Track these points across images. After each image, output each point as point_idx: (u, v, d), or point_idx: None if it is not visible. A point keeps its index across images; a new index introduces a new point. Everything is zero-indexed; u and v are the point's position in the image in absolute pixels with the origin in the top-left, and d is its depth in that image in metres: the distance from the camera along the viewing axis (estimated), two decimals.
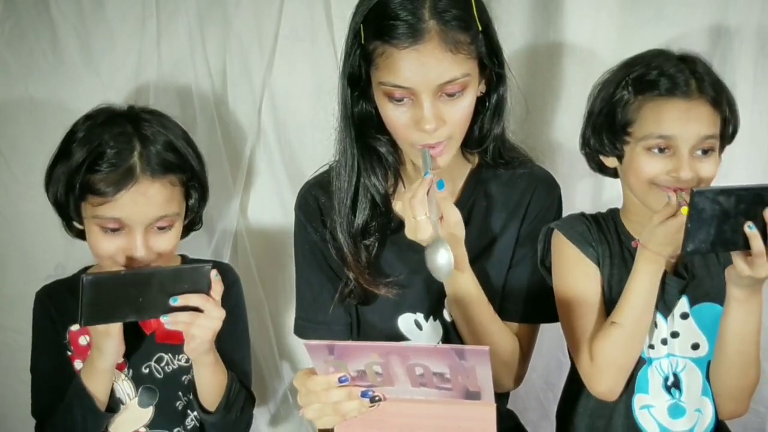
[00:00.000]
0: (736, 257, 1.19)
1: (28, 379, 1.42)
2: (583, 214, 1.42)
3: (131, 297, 1.20)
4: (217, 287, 1.24)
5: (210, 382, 1.34)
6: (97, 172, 1.26)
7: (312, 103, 1.67)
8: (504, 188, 1.41)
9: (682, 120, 1.25)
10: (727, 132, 1.30)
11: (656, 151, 1.27)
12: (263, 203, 1.74)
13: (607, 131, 1.32)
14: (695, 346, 1.34)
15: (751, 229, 1.16)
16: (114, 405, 1.35)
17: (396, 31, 1.21)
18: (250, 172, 1.70)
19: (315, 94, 1.66)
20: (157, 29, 1.62)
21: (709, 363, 1.34)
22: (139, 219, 1.27)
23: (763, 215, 1.16)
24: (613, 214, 1.41)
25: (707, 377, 1.35)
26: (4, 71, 1.62)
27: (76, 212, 1.31)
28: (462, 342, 1.40)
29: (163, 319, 1.22)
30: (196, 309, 1.23)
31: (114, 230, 1.27)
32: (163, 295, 1.21)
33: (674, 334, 1.34)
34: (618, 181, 1.38)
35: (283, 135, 1.70)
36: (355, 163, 1.35)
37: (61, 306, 1.38)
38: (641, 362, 1.34)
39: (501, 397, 1.53)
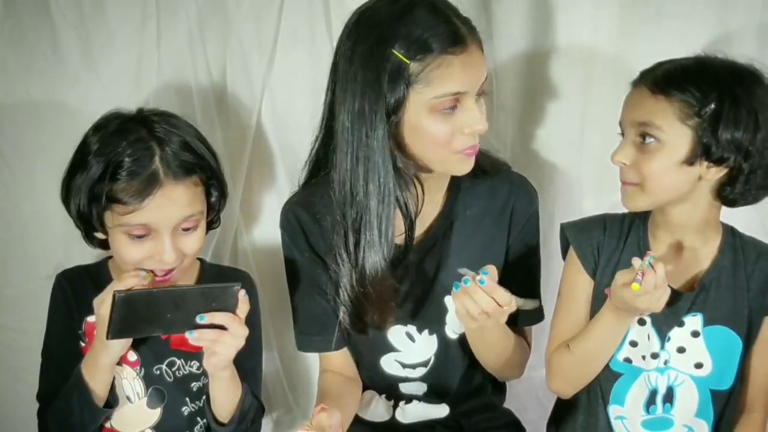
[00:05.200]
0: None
1: (28, 379, 1.42)
2: (604, 217, 1.39)
3: (160, 314, 1.21)
4: (244, 307, 1.24)
5: (226, 396, 1.34)
6: (120, 181, 1.25)
7: (312, 103, 1.66)
8: (485, 196, 1.41)
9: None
10: (712, 149, 1.22)
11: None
12: (263, 203, 1.74)
13: None
14: (698, 365, 1.33)
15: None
16: (113, 400, 1.34)
17: (449, 40, 1.23)
18: (250, 172, 1.70)
19: (315, 94, 1.65)
20: (157, 29, 1.62)
21: (712, 390, 1.33)
22: (166, 223, 1.27)
23: None
24: (645, 216, 1.36)
25: (712, 401, 1.34)
26: (4, 71, 1.61)
27: (99, 222, 1.30)
28: (468, 354, 1.42)
29: (189, 335, 1.22)
30: (221, 326, 1.23)
31: (140, 236, 1.27)
32: (190, 312, 1.21)
33: (680, 349, 1.33)
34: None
35: (283, 135, 1.70)
36: (393, 190, 1.29)
37: (80, 293, 1.38)
38: (616, 375, 1.35)
39: (499, 396, 1.55)
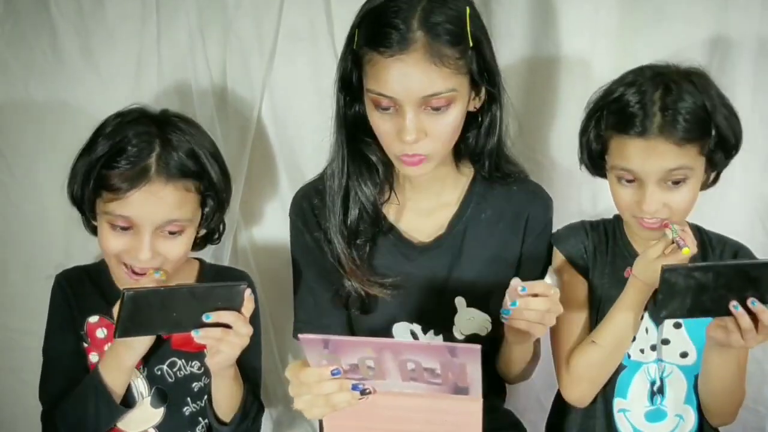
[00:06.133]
0: (716, 329, 1.21)
1: (28, 380, 1.42)
2: (583, 223, 1.43)
3: (166, 312, 1.20)
4: (249, 305, 1.24)
5: (228, 394, 1.35)
6: (113, 167, 1.25)
7: (312, 103, 1.66)
8: (501, 201, 1.42)
9: (641, 158, 1.25)
10: (716, 158, 1.29)
11: (625, 181, 1.29)
12: (263, 203, 1.74)
13: (588, 157, 1.35)
14: (684, 355, 1.36)
15: (736, 309, 1.16)
16: (130, 399, 1.35)
17: (384, 40, 1.21)
18: (250, 172, 1.70)
19: (315, 94, 1.65)
20: (157, 29, 1.62)
21: (697, 376, 1.36)
22: (148, 219, 1.26)
23: (745, 295, 1.15)
24: (617, 220, 1.42)
25: (694, 388, 1.36)
26: (4, 71, 1.61)
27: (90, 208, 1.30)
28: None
29: (195, 334, 1.22)
30: (226, 325, 1.23)
31: (124, 229, 1.27)
32: (196, 310, 1.21)
33: (665, 341, 1.36)
34: None
35: (283, 135, 1.70)
36: (345, 166, 1.36)
37: (80, 294, 1.38)
38: (620, 368, 1.37)
39: (498, 397, 1.55)
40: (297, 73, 1.66)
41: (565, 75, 1.62)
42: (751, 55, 1.57)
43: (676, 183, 1.26)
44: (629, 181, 1.28)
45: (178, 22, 1.62)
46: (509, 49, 1.59)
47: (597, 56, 1.59)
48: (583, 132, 1.35)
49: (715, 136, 1.27)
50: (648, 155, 1.24)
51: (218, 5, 1.62)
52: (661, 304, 1.16)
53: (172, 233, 1.29)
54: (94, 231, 1.35)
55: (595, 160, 1.34)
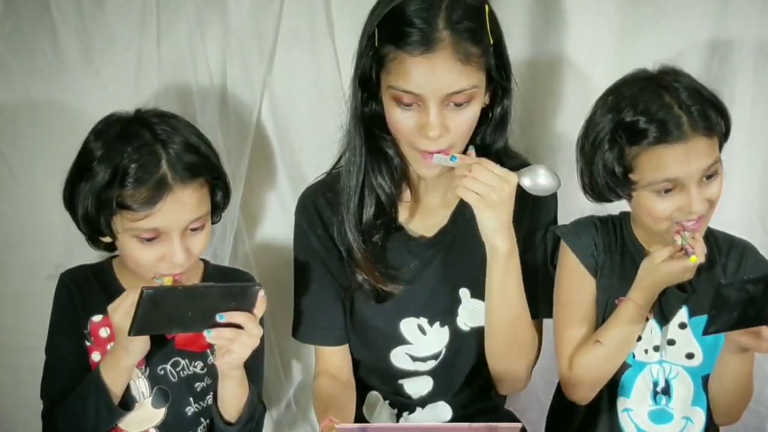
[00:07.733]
0: (743, 334, 1.20)
1: (28, 379, 1.42)
2: (593, 218, 1.43)
3: (181, 311, 1.21)
4: (262, 307, 1.25)
5: (234, 395, 1.34)
6: (129, 187, 1.25)
7: (312, 103, 1.67)
8: None
9: (682, 163, 1.24)
10: (723, 142, 1.30)
11: (664, 192, 1.27)
12: (263, 203, 1.74)
13: (609, 181, 1.31)
14: (689, 356, 1.36)
15: None
16: (130, 401, 1.35)
17: (410, 38, 1.23)
18: (250, 173, 1.70)
19: (315, 95, 1.66)
20: (157, 29, 1.62)
21: (704, 377, 1.36)
22: (176, 226, 1.27)
23: None
24: (624, 218, 1.41)
25: (704, 388, 1.37)
26: (4, 71, 1.61)
27: (107, 227, 1.30)
28: (478, 349, 1.43)
29: (207, 334, 1.23)
30: (236, 325, 1.23)
31: (150, 239, 1.28)
32: (210, 310, 1.22)
33: (670, 342, 1.36)
34: None
35: (283, 135, 1.70)
36: (363, 161, 1.37)
37: (85, 293, 1.38)
38: (625, 367, 1.37)
39: (500, 398, 1.55)
40: (297, 73, 1.66)
41: (565, 75, 1.63)
42: (751, 56, 1.57)
43: (709, 177, 1.27)
44: (668, 191, 1.27)
45: (178, 22, 1.62)
46: (509, 49, 1.59)
47: (597, 56, 1.60)
48: (590, 162, 1.32)
49: (723, 121, 1.28)
50: (688, 158, 1.24)
51: (218, 5, 1.62)
52: (713, 319, 1.16)
53: (194, 230, 1.31)
54: (105, 248, 1.36)
55: (620, 182, 1.30)
